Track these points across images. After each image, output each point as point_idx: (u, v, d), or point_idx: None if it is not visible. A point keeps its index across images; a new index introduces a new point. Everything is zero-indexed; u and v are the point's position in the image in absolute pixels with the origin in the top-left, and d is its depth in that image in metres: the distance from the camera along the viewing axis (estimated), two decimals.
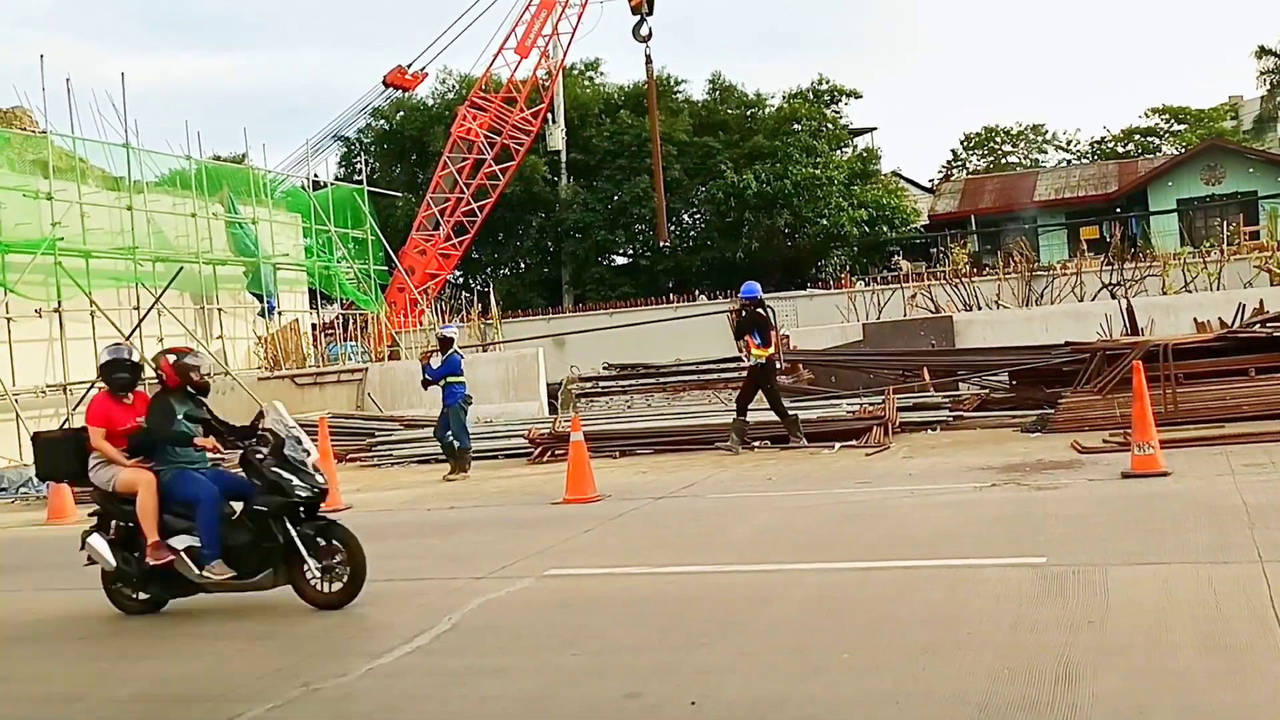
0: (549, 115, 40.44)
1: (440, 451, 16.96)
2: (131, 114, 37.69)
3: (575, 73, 46.64)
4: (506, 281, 45.55)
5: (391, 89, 41.60)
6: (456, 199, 37.39)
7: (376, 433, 20.24)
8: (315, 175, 34.82)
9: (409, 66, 40.40)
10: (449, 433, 16.38)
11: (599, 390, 21.08)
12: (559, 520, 11.62)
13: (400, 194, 42.51)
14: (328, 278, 31.05)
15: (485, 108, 37.49)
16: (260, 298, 28.14)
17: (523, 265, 47.56)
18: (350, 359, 27.27)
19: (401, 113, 46.39)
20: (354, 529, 11.13)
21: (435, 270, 37.40)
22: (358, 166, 41.05)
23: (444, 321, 29.68)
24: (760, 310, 16.32)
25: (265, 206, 29.09)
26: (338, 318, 32.69)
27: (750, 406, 16.20)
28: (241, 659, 7.17)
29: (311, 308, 31.94)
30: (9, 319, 21.45)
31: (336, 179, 41.27)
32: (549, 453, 17.13)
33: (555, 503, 12.64)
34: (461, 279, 46.21)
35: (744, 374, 16.99)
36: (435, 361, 16.75)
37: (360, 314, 30.89)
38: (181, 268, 24.67)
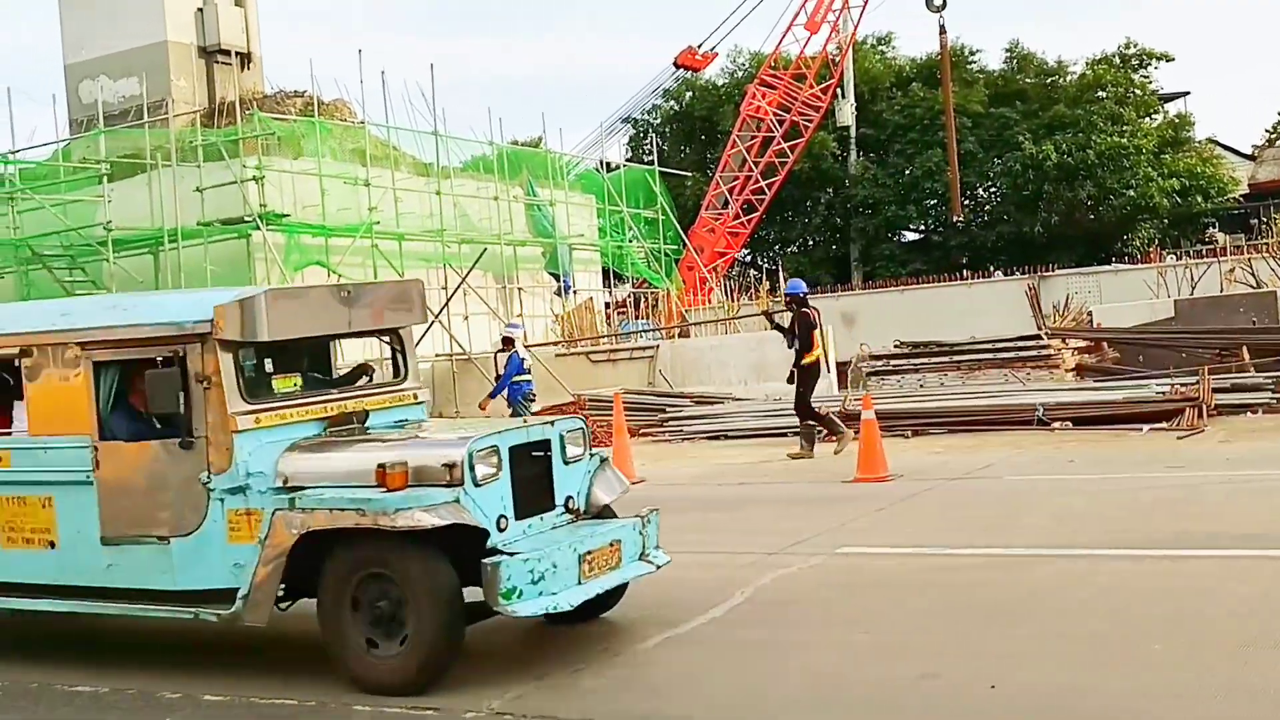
0: (839, 90, 40.02)
1: (732, 429, 17.17)
2: (439, 103, 39.78)
3: (866, 46, 45.90)
4: (794, 259, 45.39)
5: (682, 70, 42.11)
6: (745, 177, 37.52)
7: (668, 409, 20.61)
8: (607, 159, 35.71)
9: (699, 47, 40.79)
10: None
11: (889, 369, 20.73)
12: (851, 499, 11.54)
13: (689, 173, 43.00)
14: (620, 257, 31.80)
15: (774, 85, 37.43)
16: (557, 277, 29.11)
17: (811, 242, 47.31)
18: (641, 337, 27.83)
19: (691, 93, 46.90)
20: (646, 503, 11.26)
21: (724, 248, 37.69)
22: (647, 148, 41.78)
23: (734, 299, 29.88)
24: (806, 309, 15.21)
25: (561, 189, 30.04)
26: (630, 296, 33.42)
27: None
28: (539, 624, 7.46)
29: (605, 286, 32.80)
30: None
31: (627, 160, 42.16)
32: None
33: (846, 481, 12.56)
34: (749, 257, 46.40)
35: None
36: (502, 359, 17.29)
37: (652, 292, 31.50)
38: (485, 249, 25.81)
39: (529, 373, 17.51)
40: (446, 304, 24.77)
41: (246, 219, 21.26)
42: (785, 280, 26.24)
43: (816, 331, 15.10)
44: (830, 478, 13.08)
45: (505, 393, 17.12)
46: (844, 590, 7.67)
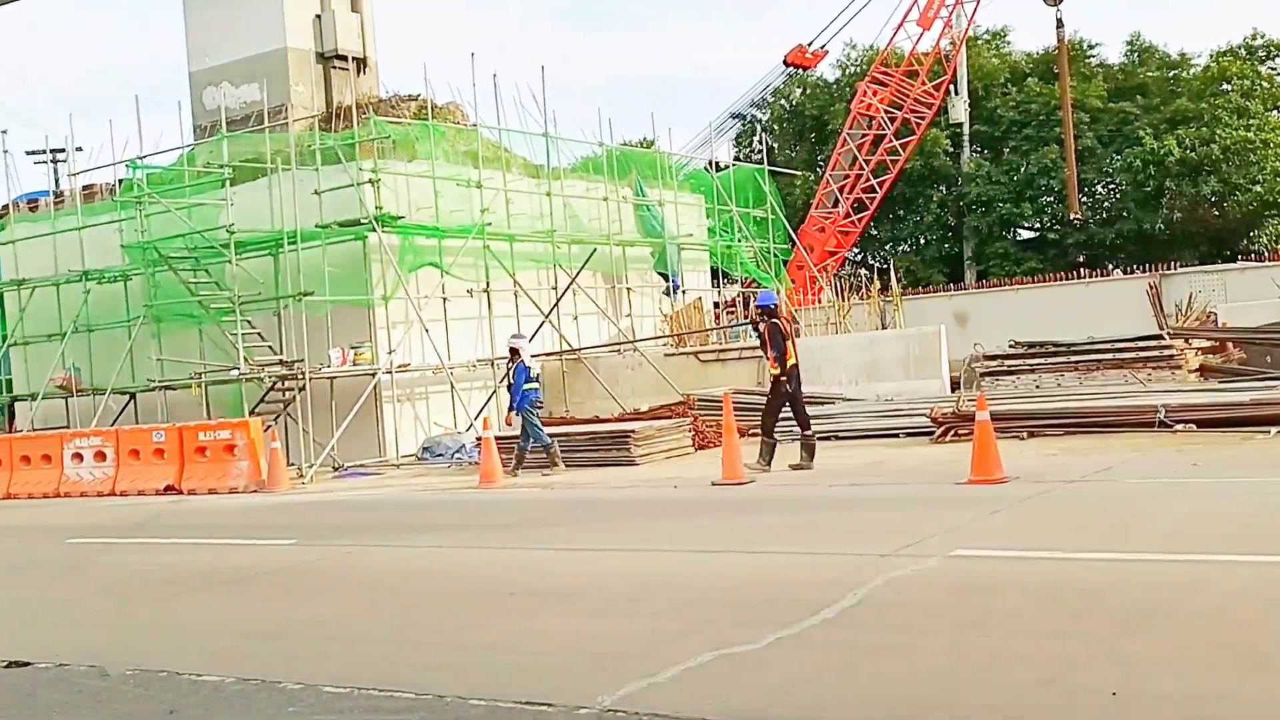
0: (952, 87, 39.44)
1: (843, 430, 16.99)
2: (549, 105, 40.03)
3: (980, 42, 45.21)
4: (906, 258, 44.88)
5: (792, 68, 41.89)
6: (855, 176, 37.19)
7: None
8: (716, 159, 35.62)
9: (809, 45, 40.55)
10: (530, 440, 17.42)
11: (1005, 369, 20.39)
12: (965, 501, 11.37)
13: (799, 172, 42.78)
14: (729, 256, 31.75)
15: (886, 82, 37.02)
16: (666, 277, 29.17)
17: (922, 241, 46.71)
18: (751, 336, 27.72)
19: (801, 90, 46.62)
20: (758, 502, 11.39)
21: (834, 248, 37.40)
22: (755, 146, 41.61)
23: (844, 299, 29.61)
24: (777, 320, 15.16)
25: (670, 189, 30.09)
26: (738, 295, 33.32)
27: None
28: (653, 621, 7.49)
29: (713, 286, 32.78)
30: (445, 299, 23.35)
31: (735, 159, 42.04)
32: (952, 432, 16.78)
33: (960, 483, 12.38)
34: (860, 256, 45.98)
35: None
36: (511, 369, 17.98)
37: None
38: (595, 249, 25.96)
39: (536, 380, 18.00)
40: (556, 304, 24.97)
41: (363, 221, 21.66)
42: (897, 277, 25.90)
43: (790, 342, 15.17)
44: (944, 479, 12.91)
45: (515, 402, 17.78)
46: (959, 594, 7.55)
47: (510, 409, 17.77)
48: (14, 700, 6.77)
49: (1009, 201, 42.24)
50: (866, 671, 6.03)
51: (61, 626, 8.96)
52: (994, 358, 20.82)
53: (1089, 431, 15.88)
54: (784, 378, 14.96)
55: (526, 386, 17.53)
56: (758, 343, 15.79)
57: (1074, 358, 19.92)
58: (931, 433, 17.18)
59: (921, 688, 5.73)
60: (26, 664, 7.46)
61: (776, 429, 15.32)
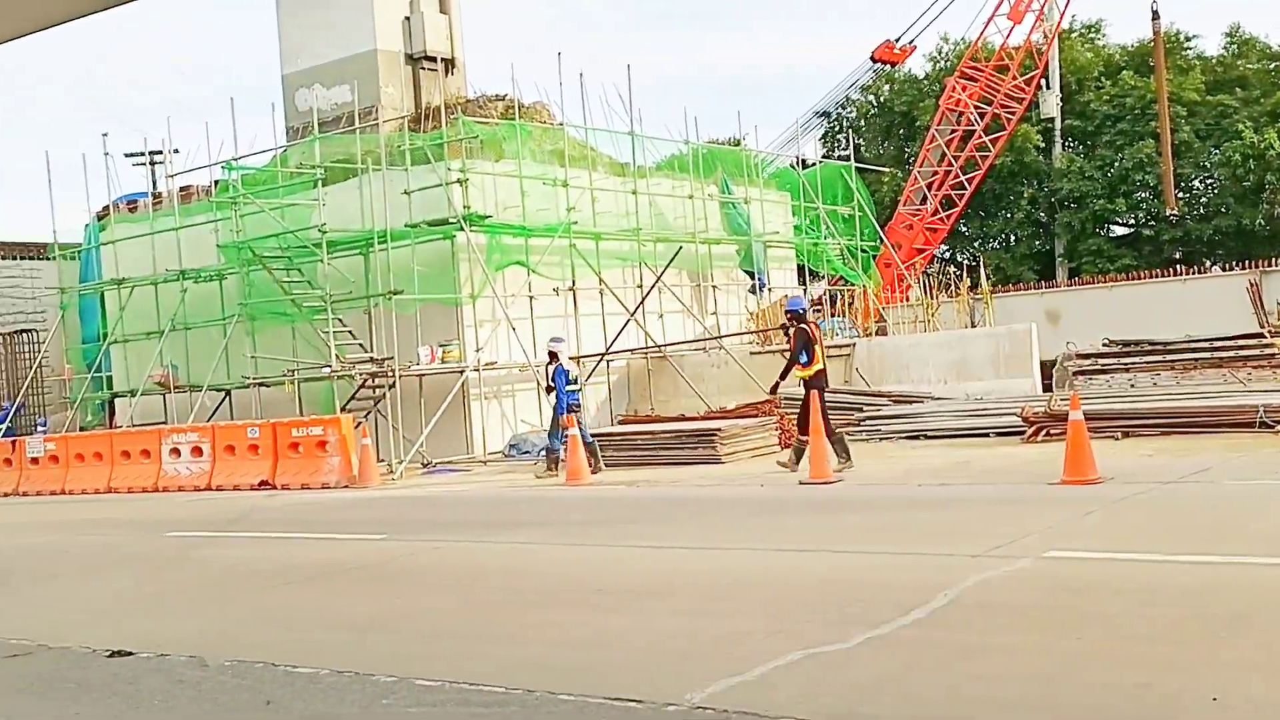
0: (1043, 81, 38.76)
1: (931, 429, 16.86)
2: (635, 103, 40.11)
3: (1073, 35, 44.41)
4: (995, 255, 44.24)
5: (880, 64, 41.50)
6: (944, 172, 36.73)
7: (865, 408, 20.38)
8: (803, 156, 35.42)
9: (897, 41, 40.14)
10: (553, 439, 17.81)
11: (1098, 368, 20.02)
12: (1057, 501, 11.20)
13: (887, 169, 42.38)
14: (816, 254, 31.54)
15: (975, 78, 36.50)
16: (751, 275, 29.07)
17: (1013, 238, 45.99)
18: (838, 334, 27.55)
19: (889, 86, 46.18)
20: (845, 502, 11.28)
21: (922, 245, 36.98)
22: (841, 142, 41.33)
23: (933, 296, 29.26)
24: (804, 326, 15.12)
25: (756, 186, 29.99)
26: (825, 293, 33.11)
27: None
28: (740, 619, 7.47)
29: (800, 283, 32.59)
30: (531, 297, 23.51)
31: (822, 157, 41.78)
32: (1044, 431, 16.53)
33: (1052, 483, 12.19)
34: (949, 253, 45.40)
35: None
36: (549, 371, 18.37)
37: (848, 289, 31.15)
38: (681, 247, 25.96)
39: (575, 383, 18.25)
40: (642, 302, 25.01)
41: (451, 220, 21.88)
42: (986, 274, 25.56)
43: (817, 347, 15.16)
44: (1035, 480, 12.72)
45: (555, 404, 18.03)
46: (1052, 594, 7.44)
47: (558, 411, 17.90)
48: (116, 689, 6.95)
49: (1102, 197, 41.44)
50: (958, 672, 5.97)
51: (162, 617, 9.18)
52: (1087, 356, 20.45)
53: (1186, 432, 15.54)
54: (811, 379, 15.06)
55: (568, 389, 17.83)
56: (788, 346, 15.87)
57: (1170, 357, 19.51)
58: (1022, 432, 16.94)
59: (1015, 689, 5.66)
60: (129, 654, 7.67)
61: (839, 428, 15.43)
